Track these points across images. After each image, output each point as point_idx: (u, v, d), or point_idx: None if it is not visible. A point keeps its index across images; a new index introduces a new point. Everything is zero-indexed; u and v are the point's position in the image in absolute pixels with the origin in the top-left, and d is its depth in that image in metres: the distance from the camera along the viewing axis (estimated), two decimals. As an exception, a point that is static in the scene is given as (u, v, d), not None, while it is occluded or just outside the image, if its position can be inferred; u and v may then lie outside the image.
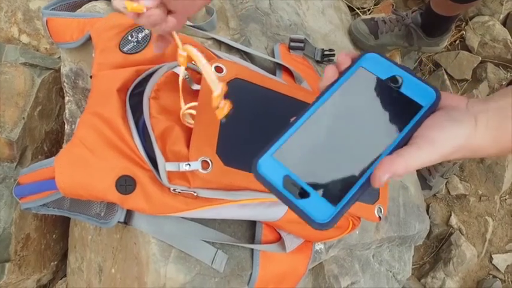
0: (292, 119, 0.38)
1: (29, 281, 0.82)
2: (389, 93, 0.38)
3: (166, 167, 0.49)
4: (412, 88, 0.38)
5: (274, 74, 0.72)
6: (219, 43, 0.72)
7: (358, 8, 1.30)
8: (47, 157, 0.80)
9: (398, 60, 1.17)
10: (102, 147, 0.53)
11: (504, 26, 1.22)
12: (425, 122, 0.36)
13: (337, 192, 0.35)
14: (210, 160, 0.50)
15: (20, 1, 0.79)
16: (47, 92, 0.78)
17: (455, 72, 1.24)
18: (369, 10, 1.31)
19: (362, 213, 0.61)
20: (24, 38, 0.80)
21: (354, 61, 0.39)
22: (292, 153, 0.36)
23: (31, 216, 0.77)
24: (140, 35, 0.60)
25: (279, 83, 0.60)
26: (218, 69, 0.54)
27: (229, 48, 0.72)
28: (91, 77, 0.58)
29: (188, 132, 0.52)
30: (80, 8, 0.68)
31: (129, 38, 0.59)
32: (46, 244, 0.83)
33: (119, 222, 0.55)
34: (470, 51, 1.25)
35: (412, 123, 0.36)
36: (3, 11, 0.77)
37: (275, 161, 0.36)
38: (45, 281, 0.90)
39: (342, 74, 0.39)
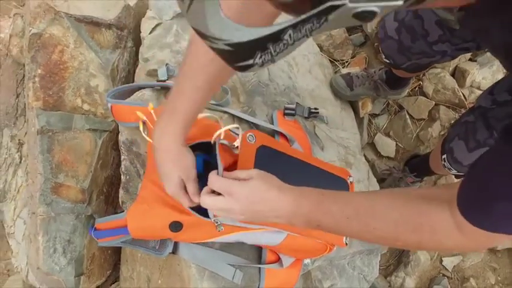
0: None
1: (92, 286, 1.00)
2: None
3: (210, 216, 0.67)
4: None
5: (273, 137, 0.90)
6: (233, 116, 0.89)
7: (338, 60, 1.43)
8: (106, 197, 0.97)
9: (369, 104, 1.32)
10: (158, 204, 0.70)
11: (453, 77, 1.35)
12: None
13: None
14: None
15: (83, 80, 0.96)
16: (105, 148, 0.96)
17: (415, 113, 1.37)
18: (347, 62, 1.43)
19: (334, 241, 0.79)
20: (86, 106, 0.98)
21: None
22: None
23: (96, 241, 0.95)
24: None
25: (296, 150, 0.79)
26: (251, 138, 0.71)
27: (240, 119, 0.89)
28: (146, 152, 0.75)
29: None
30: (133, 93, 0.85)
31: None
32: (104, 258, 1.01)
33: (169, 253, 0.73)
34: (426, 97, 1.37)
35: None
36: (71, 88, 0.95)
37: None
38: (99, 284, 1.08)
39: None
